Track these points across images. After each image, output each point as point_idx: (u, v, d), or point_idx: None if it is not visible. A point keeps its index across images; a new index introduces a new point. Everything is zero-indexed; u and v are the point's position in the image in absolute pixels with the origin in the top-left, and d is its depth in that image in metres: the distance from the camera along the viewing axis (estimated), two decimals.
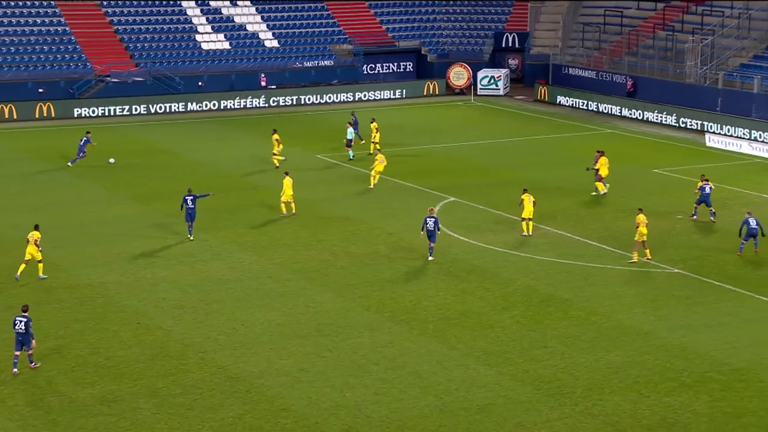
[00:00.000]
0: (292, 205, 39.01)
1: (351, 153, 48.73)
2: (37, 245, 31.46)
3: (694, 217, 38.09)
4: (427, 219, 34.15)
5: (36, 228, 32.10)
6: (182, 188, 38.46)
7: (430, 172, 46.84)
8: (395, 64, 71.84)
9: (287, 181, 38.86)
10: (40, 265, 31.78)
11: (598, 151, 42.39)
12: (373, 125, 49.90)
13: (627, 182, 44.34)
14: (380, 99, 67.01)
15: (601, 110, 61.37)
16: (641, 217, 33.28)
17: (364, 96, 67.02)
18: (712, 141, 51.57)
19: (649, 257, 33.15)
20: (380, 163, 43.58)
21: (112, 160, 46.71)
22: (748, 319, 28.53)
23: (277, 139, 46.72)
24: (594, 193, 41.86)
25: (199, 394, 24.29)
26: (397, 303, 30.19)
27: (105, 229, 36.51)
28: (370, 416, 23.23)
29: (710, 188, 37.99)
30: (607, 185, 41.82)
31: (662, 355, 26.16)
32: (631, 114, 59.53)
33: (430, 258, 33.99)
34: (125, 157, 48.54)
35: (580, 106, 62.90)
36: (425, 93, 68.31)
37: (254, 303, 30.21)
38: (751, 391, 24.05)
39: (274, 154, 46.79)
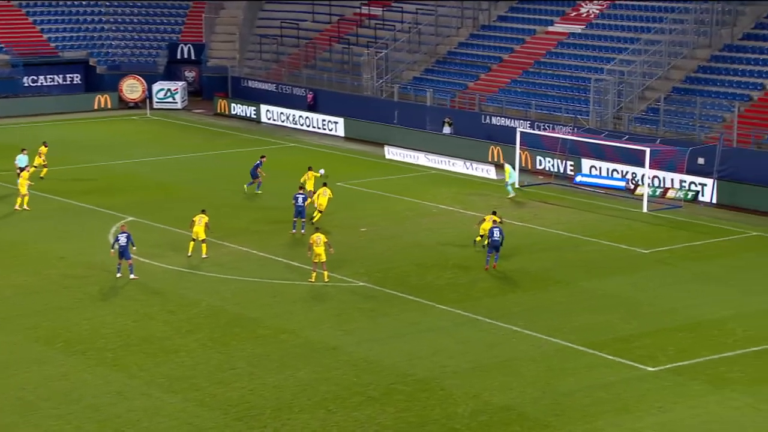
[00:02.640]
0: None
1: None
2: None
3: (294, 231, 38.89)
4: (119, 236, 33.42)
5: None
6: None
7: (106, 191, 45.51)
8: (60, 76, 69.01)
9: None
10: None
11: (262, 157, 44.13)
12: (43, 149, 47.49)
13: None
14: (45, 114, 64.15)
15: (282, 123, 62.51)
16: (315, 237, 33.61)
17: (27, 110, 63.86)
18: (391, 153, 53.99)
19: (327, 280, 33.76)
20: (24, 184, 41.76)
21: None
22: (429, 328, 30.11)
23: None
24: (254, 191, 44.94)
25: None
26: (72, 332, 29.05)
27: None
28: None
29: (303, 198, 38.84)
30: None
31: (349, 369, 27.00)
32: (312, 127, 61.11)
33: (132, 276, 33.41)
34: None
35: (262, 119, 63.71)
36: (96, 107, 66.25)
37: None
38: (434, 400, 25.37)
39: None
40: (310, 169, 43.11)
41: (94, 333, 29.07)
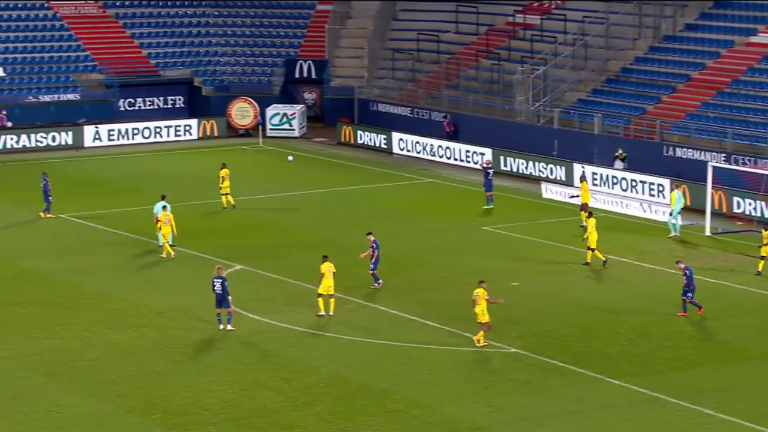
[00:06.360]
0: None
1: None
2: None
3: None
4: (214, 281, 34.47)
5: None
6: None
7: (211, 233, 46.53)
8: (161, 98, 71.27)
9: None
10: None
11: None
12: (224, 171, 49.97)
13: (451, 242, 45.43)
14: (143, 143, 66.17)
15: (418, 154, 62.81)
16: (475, 293, 33.44)
17: (123, 138, 65.99)
18: (550, 192, 53.66)
19: (484, 343, 33.60)
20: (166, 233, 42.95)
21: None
22: (597, 407, 29.61)
23: None
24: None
25: None
26: (171, 402, 29.65)
27: None
28: None
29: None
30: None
31: None
32: (454, 159, 61.21)
33: (228, 327, 34.41)
34: None
35: (394, 149, 64.18)
36: (201, 134, 68.05)
37: None
38: None
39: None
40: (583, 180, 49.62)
41: (196, 403, 29.56)
